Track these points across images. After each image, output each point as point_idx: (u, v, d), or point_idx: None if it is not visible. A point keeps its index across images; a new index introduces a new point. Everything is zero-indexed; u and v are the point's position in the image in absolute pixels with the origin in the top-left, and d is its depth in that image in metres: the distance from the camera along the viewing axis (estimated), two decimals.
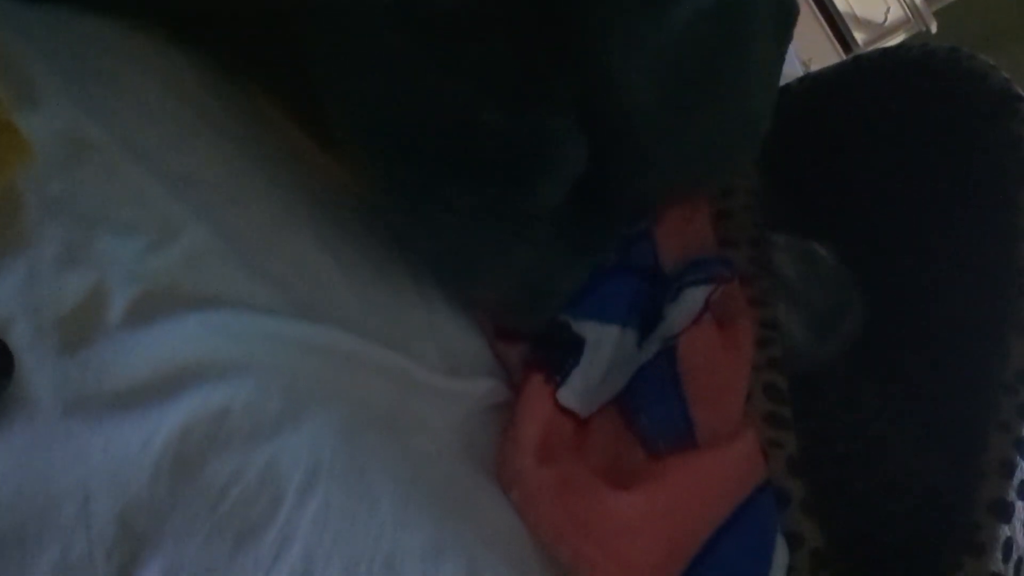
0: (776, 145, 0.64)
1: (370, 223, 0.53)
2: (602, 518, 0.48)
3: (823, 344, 0.65)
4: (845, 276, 0.67)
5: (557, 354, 0.55)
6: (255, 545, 0.36)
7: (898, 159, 0.70)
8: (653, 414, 0.54)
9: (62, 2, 0.47)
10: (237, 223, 0.45)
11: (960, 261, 0.62)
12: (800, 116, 0.74)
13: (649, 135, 0.53)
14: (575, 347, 0.56)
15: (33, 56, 0.42)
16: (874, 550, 0.53)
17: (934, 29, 1.97)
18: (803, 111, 0.76)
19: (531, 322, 0.57)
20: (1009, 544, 0.48)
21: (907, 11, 1.97)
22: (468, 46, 0.48)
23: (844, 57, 1.82)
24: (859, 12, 1.96)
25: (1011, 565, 0.47)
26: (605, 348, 0.57)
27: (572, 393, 0.55)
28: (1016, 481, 0.49)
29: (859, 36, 1.93)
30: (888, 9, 1.96)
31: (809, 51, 1.72)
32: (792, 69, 1.15)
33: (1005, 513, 0.48)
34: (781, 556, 0.49)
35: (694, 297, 0.58)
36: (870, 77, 0.73)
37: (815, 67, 0.86)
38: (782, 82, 0.72)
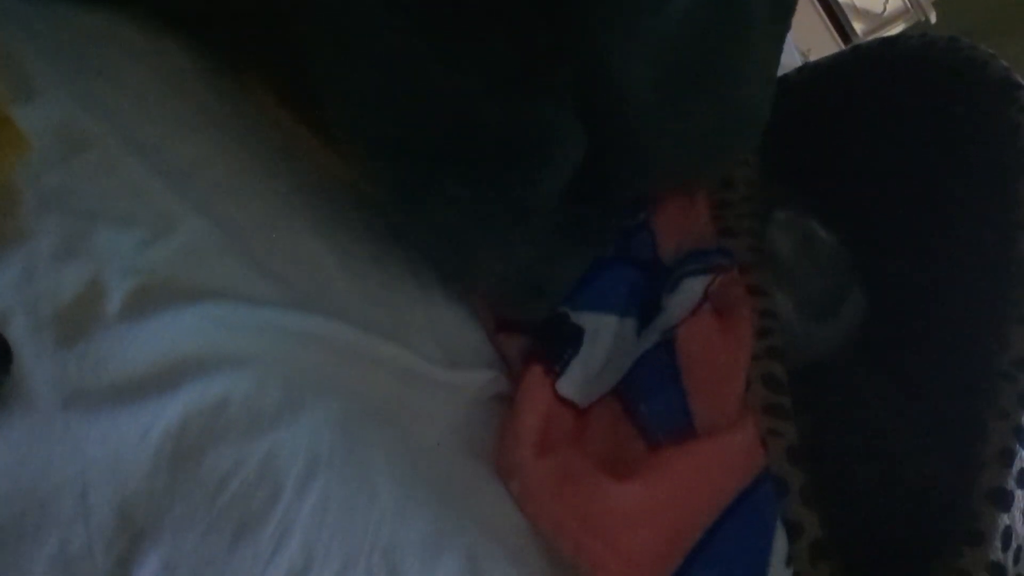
0: (775, 135, 0.64)
1: (369, 216, 0.53)
2: (602, 509, 0.48)
3: (819, 329, 0.64)
4: (844, 259, 0.67)
5: (556, 345, 0.56)
6: (254, 537, 0.36)
7: (897, 149, 0.70)
8: (652, 404, 0.54)
9: None
10: (235, 216, 0.45)
11: (960, 250, 0.62)
12: (799, 106, 0.74)
13: (647, 126, 0.53)
14: (574, 338, 0.56)
15: (30, 49, 0.42)
16: (873, 539, 0.53)
17: (933, 19, 1.97)
18: (802, 101, 0.75)
19: (530, 313, 0.57)
20: (1008, 533, 0.48)
21: (906, 1, 1.97)
22: (466, 38, 0.48)
23: (843, 47, 1.82)
24: (858, 2, 1.95)
25: (1010, 554, 0.47)
26: (604, 339, 0.57)
27: (571, 384, 0.55)
28: (1015, 470, 0.49)
29: (858, 26, 1.92)
30: None
31: (808, 41, 1.72)
32: (791, 59, 1.14)
33: (1004, 502, 0.48)
34: (781, 546, 0.49)
35: (693, 287, 0.58)
36: (869, 67, 0.73)
37: (814, 57, 0.86)
38: (781, 72, 0.72)
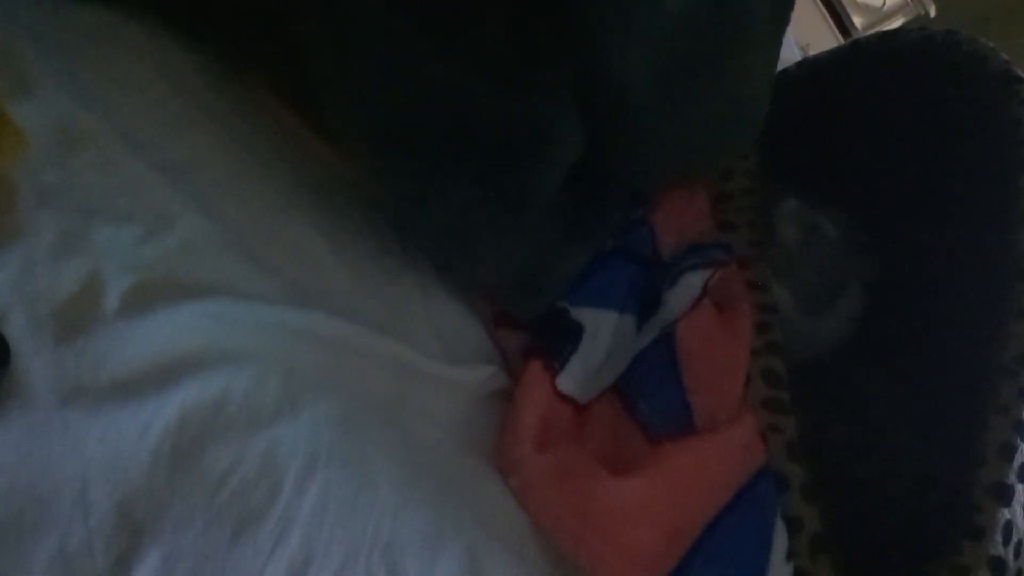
0: (775, 130, 0.64)
1: (368, 211, 0.53)
2: (602, 504, 0.48)
3: (817, 323, 0.64)
4: (845, 254, 0.67)
5: (556, 341, 0.55)
6: (254, 533, 0.36)
7: (897, 144, 0.70)
8: (652, 400, 0.54)
9: None
10: (234, 212, 0.45)
11: (959, 245, 0.62)
12: (799, 101, 0.74)
13: (646, 120, 0.53)
14: (574, 333, 0.56)
15: (27, 45, 0.42)
16: (873, 534, 0.53)
17: (933, 13, 1.96)
18: (802, 96, 0.75)
19: (529, 309, 0.57)
20: (1009, 527, 0.48)
21: None
22: (464, 32, 0.48)
23: (843, 41, 1.81)
24: None
25: (1011, 548, 0.48)
26: (603, 334, 0.57)
27: (571, 380, 0.55)
28: (1016, 464, 0.49)
29: (857, 20, 1.92)
30: None
31: (807, 36, 1.71)
32: (790, 54, 1.14)
33: (1005, 496, 0.48)
34: (781, 541, 0.49)
35: (692, 282, 0.58)
36: (869, 61, 0.72)
37: (813, 52, 0.86)
38: (780, 67, 0.71)
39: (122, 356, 0.36)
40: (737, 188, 0.66)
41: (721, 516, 0.49)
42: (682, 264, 0.60)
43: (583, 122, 0.50)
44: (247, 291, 0.42)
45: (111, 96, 0.44)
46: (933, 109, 0.67)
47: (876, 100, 0.71)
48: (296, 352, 0.43)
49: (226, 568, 0.35)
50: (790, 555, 0.49)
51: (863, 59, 0.73)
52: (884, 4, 1.95)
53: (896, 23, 1.97)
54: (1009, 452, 0.49)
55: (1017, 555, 0.48)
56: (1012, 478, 0.49)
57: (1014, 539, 0.48)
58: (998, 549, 0.47)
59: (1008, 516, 0.48)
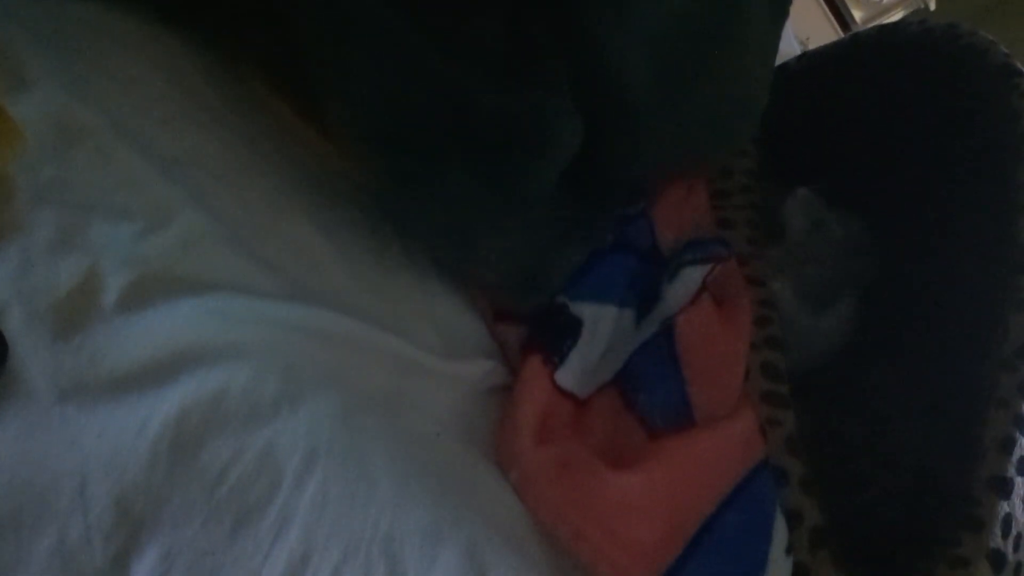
0: (774, 124, 0.64)
1: (366, 206, 0.52)
2: (601, 498, 0.48)
3: (818, 321, 0.64)
4: (847, 255, 0.67)
5: (555, 335, 0.55)
6: (254, 528, 0.36)
7: (897, 137, 0.70)
8: (652, 393, 0.54)
9: None
10: (231, 207, 0.45)
11: (960, 238, 0.62)
12: (799, 95, 0.74)
13: (644, 114, 0.53)
14: (573, 328, 0.56)
15: (24, 40, 0.42)
16: (873, 527, 0.53)
17: (932, 6, 1.96)
18: (802, 90, 0.75)
19: (528, 303, 0.57)
20: (1008, 520, 0.48)
21: None
22: (463, 26, 0.48)
23: (842, 35, 1.81)
24: None
25: (1010, 541, 0.48)
26: (603, 329, 0.57)
27: (570, 374, 0.55)
28: (1015, 458, 0.49)
29: (857, 14, 1.91)
30: None
31: (807, 29, 1.71)
32: (790, 48, 1.14)
33: (1004, 489, 0.48)
34: (780, 534, 0.49)
35: (692, 277, 0.58)
36: (869, 55, 0.72)
37: (813, 45, 0.86)
38: (780, 61, 0.71)
39: (120, 351, 0.36)
40: (736, 186, 0.66)
41: (720, 509, 0.49)
42: (681, 259, 0.60)
43: (581, 114, 0.49)
44: (245, 287, 0.42)
45: (108, 92, 0.44)
46: (933, 102, 0.66)
47: (876, 93, 0.71)
48: (295, 347, 0.43)
49: (225, 563, 0.35)
50: (790, 548, 0.49)
51: (863, 53, 0.73)
52: None
53: (896, 16, 1.96)
54: (1008, 446, 0.49)
55: (1016, 548, 0.48)
56: (1011, 471, 0.49)
57: (1013, 532, 0.48)
58: (997, 542, 0.47)
59: (1007, 509, 0.48)
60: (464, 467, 0.48)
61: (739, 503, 0.50)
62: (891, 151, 0.70)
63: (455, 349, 0.53)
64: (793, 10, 0.62)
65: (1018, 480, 0.49)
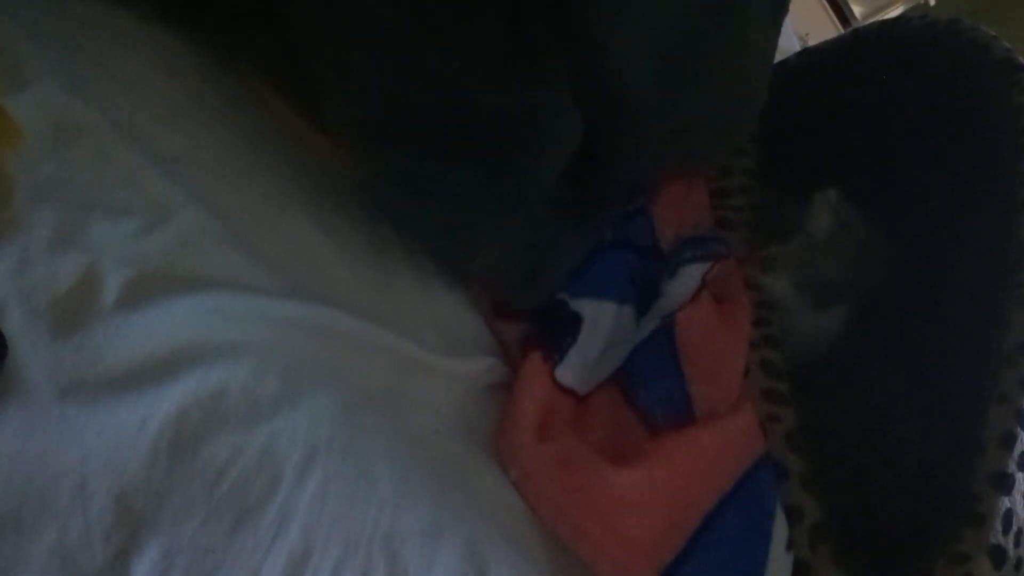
0: (774, 121, 0.64)
1: (365, 203, 0.52)
2: (602, 494, 0.48)
3: (820, 318, 0.64)
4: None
5: (555, 332, 0.55)
6: (254, 525, 0.36)
7: (898, 132, 0.70)
8: (652, 390, 0.54)
9: None
10: (231, 204, 0.45)
11: (961, 233, 0.62)
12: (799, 91, 0.73)
13: (644, 110, 0.53)
14: (573, 325, 0.56)
15: (22, 38, 0.42)
16: (874, 523, 0.53)
17: (933, 1, 1.95)
18: (802, 86, 0.75)
19: (528, 300, 0.57)
20: (1009, 516, 0.48)
21: None
22: (461, 25, 0.47)
23: (842, 31, 1.81)
24: None
25: (1011, 537, 0.48)
26: (603, 325, 0.57)
27: (570, 371, 0.55)
28: (1016, 453, 0.49)
29: (857, 9, 1.91)
30: None
31: (807, 25, 1.71)
32: (790, 44, 1.14)
33: (1005, 485, 0.48)
34: (780, 530, 0.49)
35: (692, 274, 0.58)
36: (869, 50, 0.72)
37: (813, 41, 0.86)
38: (780, 57, 0.71)
39: (120, 349, 0.36)
40: (735, 185, 0.66)
41: (721, 506, 0.49)
42: (681, 256, 0.60)
43: (581, 110, 0.49)
44: (245, 284, 0.42)
45: (108, 90, 0.44)
46: (934, 97, 0.66)
47: (877, 89, 0.71)
48: (295, 345, 0.43)
49: (226, 560, 0.35)
50: (790, 545, 0.49)
51: (864, 48, 0.72)
52: None
53: (896, 11, 1.96)
54: (1009, 441, 0.49)
55: (1017, 544, 0.48)
56: (1012, 467, 0.49)
57: (1014, 528, 0.48)
58: (998, 538, 0.47)
59: (1008, 505, 0.48)
60: (464, 464, 0.48)
61: (739, 500, 0.50)
62: (892, 147, 0.70)
63: (455, 346, 0.53)
64: (793, 6, 0.61)
65: (1019, 476, 0.49)
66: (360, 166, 0.50)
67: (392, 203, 0.51)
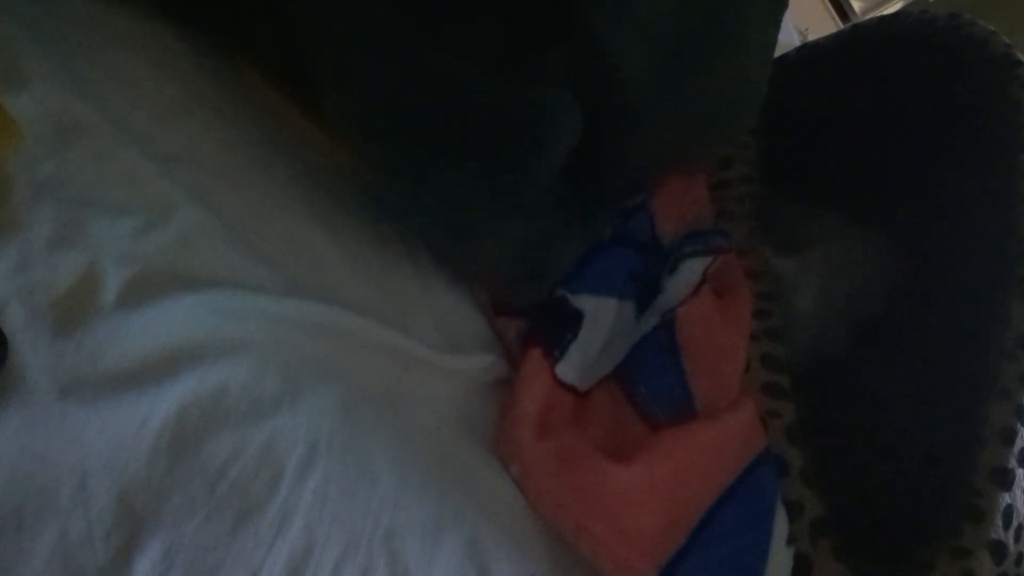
0: (774, 116, 0.64)
1: (365, 200, 0.52)
2: (603, 490, 0.48)
3: (829, 324, 0.64)
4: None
5: (555, 329, 0.55)
6: (255, 523, 0.36)
7: (898, 127, 0.69)
8: (653, 385, 0.54)
9: None
10: (231, 202, 0.45)
11: (961, 228, 0.62)
12: (798, 86, 0.73)
13: (643, 105, 0.52)
14: (573, 321, 0.56)
15: (21, 36, 0.42)
16: (874, 518, 0.53)
17: None
18: (801, 81, 0.75)
19: (528, 296, 0.57)
20: (1009, 511, 0.48)
21: None
22: (460, 20, 0.47)
23: (841, 26, 1.80)
24: None
25: (1011, 532, 0.48)
26: (603, 321, 0.57)
27: (570, 368, 0.55)
28: (1017, 449, 0.49)
29: (857, 4, 1.91)
30: None
31: (806, 20, 1.70)
32: (789, 38, 1.14)
33: (1005, 480, 0.48)
34: (781, 526, 0.49)
35: (692, 269, 0.58)
36: (869, 45, 0.72)
37: (812, 36, 0.86)
38: (779, 52, 0.71)
39: (120, 348, 0.36)
40: (736, 176, 0.65)
41: (721, 501, 0.49)
42: (681, 251, 0.60)
43: (580, 106, 0.49)
44: (245, 282, 0.42)
45: (106, 87, 0.44)
46: (934, 93, 0.66)
47: (877, 84, 0.71)
48: (295, 342, 0.43)
49: (227, 559, 0.35)
50: (791, 540, 0.49)
51: (863, 43, 0.72)
52: None
53: (895, 7, 1.96)
54: (1010, 436, 0.49)
55: (1017, 539, 0.48)
56: (1013, 462, 0.49)
57: (1014, 523, 0.48)
58: (998, 533, 0.47)
59: (1008, 500, 0.48)
60: (465, 461, 0.48)
61: (740, 495, 0.50)
62: (891, 141, 0.70)
63: (455, 343, 0.53)
64: (793, 1, 0.61)
65: (1019, 471, 0.49)
66: (360, 164, 0.50)
67: (392, 201, 0.51)
